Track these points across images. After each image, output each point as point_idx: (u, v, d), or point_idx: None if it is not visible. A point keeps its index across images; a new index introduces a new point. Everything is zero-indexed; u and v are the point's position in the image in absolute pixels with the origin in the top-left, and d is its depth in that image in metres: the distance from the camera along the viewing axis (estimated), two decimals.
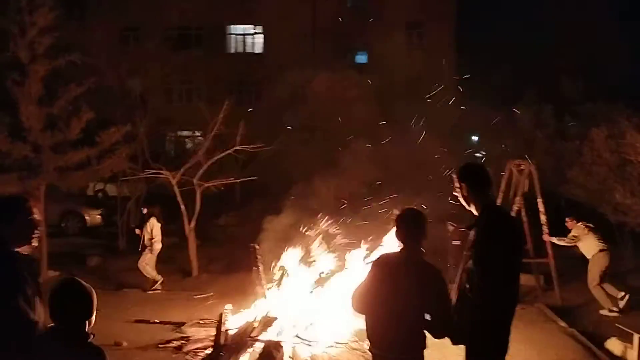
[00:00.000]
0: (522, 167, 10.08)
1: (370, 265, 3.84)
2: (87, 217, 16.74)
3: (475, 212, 3.72)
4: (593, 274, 9.29)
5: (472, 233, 3.64)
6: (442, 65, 24.86)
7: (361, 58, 26.85)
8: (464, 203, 3.78)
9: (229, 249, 13.00)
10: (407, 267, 3.66)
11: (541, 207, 10.06)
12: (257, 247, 9.40)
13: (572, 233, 9.55)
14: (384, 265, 3.75)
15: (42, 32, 11.39)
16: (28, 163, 11.24)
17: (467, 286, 3.55)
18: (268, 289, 8.34)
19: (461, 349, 3.67)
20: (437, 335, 3.65)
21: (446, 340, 3.70)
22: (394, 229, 3.80)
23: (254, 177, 12.55)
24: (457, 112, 21.80)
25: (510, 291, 3.58)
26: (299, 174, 15.41)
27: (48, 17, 11.47)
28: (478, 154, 20.91)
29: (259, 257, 9.18)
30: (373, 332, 3.72)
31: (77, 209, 16.84)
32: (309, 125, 17.05)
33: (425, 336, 3.67)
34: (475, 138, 22.94)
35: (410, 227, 3.74)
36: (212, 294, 10.44)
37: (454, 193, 3.85)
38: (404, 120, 18.02)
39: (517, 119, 14.03)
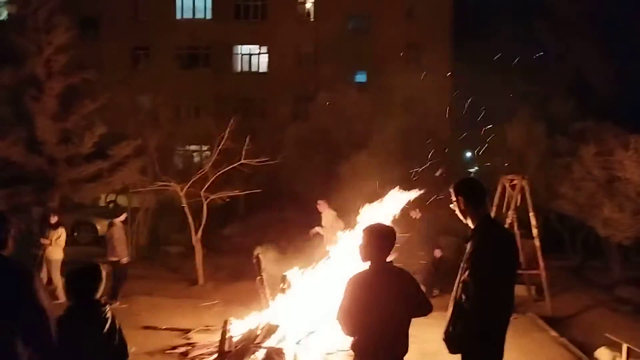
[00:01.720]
0: (514, 183, 10.52)
1: (346, 287, 3.80)
2: (98, 227, 17.18)
3: (471, 225, 3.78)
4: None
5: (468, 245, 3.71)
6: (438, 83, 25.51)
7: (361, 77, 27.51)
8: (460, 216, 3.86)
9: (233, 258, 13.33)
10: (384, 278, 3.74)
11: (533, 221, 10.47)
12: (260, 256, 9.84)
13: None
14: (362, 284, 3.75)
15: (58, 50, 12.03)
16: (43, 175, 11.76)
17: (463, 297, 3.58)
18: (271, 297, 8.65)
19: (457, 358, 3.75)
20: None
21: (442, 349, 3.78)
22: (362, 242, 3.84)
23: (259, 190, 12.98)
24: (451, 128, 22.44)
25: (505, 302, 3.65)
26: (301, 186, 15.97)
27: (64, 36, 12.12)
28: (471, 169, 21.47)
29: (262, 266, 9.63)
30: (366, 348, 3.75)
31: (89, 219, 17.31)
32: (311, 140, 17.57)
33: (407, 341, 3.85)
34: (469, 154, 23.50)
35: (381, 241, 3.79)
36: (217, 301, 10.83)
37: (451, 206, 3.93)
38: (401, 135, 18.60)
39: (510, 136, 14.44)
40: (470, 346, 3.63)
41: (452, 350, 3.73)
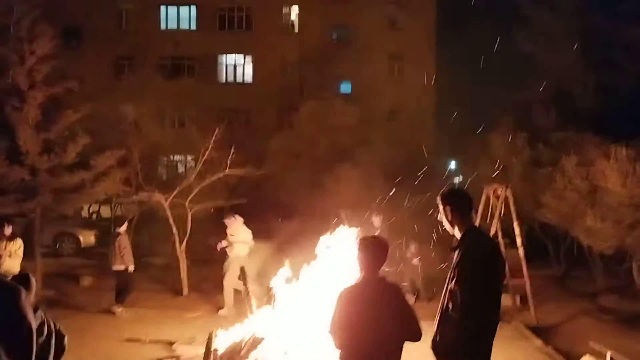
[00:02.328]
0: (498, 192, 10.63)
1: (337, 301, 3.79)
2: (81, 238, 17.03)
3: (458, 235, 3.85)
4: None
5: (455, 254, 3.77)
6: (421, 92, 25.78)
7: (346, 87, 27.68)
8: (447, 226, 3.92)
9: (218, 269, 13.30)
10: (376, 291, 3.74)
11: (517, 230, 10.57)
12: (244, 268, 9.83)
13: None
14: (354, 297, 3.74)
15: (41, 60, 11.90)
16: (25, 186, 11.60)
17: (450, 305, 3.63)
18: (256, 308, 8.62)
19: None
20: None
21: (428, 358, 3.83)
22: (357, 254, 3.84)
23: (244, 200, 12.97)
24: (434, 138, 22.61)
25: (492, 310, 3.71)
26: (285, 197, 15.95)
27: (47, 46, 12.00)
28: (455, 179, 21.65)
29: (247, 277, 9.61)
30: None
31: (71, 230, 17.13)
32: (295, 151, 17.59)
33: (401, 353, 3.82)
34: (452, 164, 23.70)
35: (374, 253, 3.79)
36: (202, 312, 10.79)
37: (438, 217, 3.98)
38: (385, 145, 18.71)
39: (493, 146, 14.58)
40: (457, 355, 3.65)
41: (440, 359, 3.77)
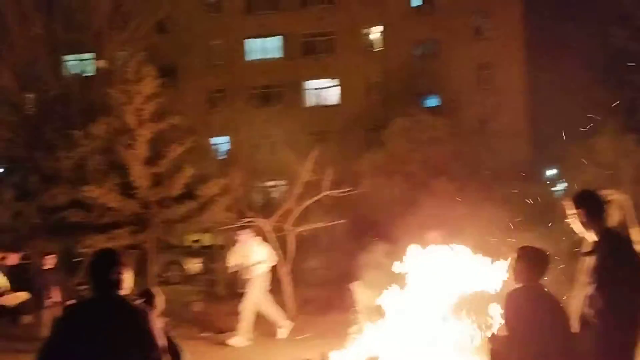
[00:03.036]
0: (613, 197, 10.00)
1: (510, 308, 3.70)
2: (185, 267, 17.81)
3: (592, 238, 3.76)
4: None
5: (591, 259, 3.67)
6: (513, 100, 25.03)
7: (432, 101, 27.38)
8: (580, 229, 3.84)
9: (320, 291, 13.36)
10: (544, 299, 3.68)
11: (638, 237, 9.88)
12: (352, 288, 9.79)
13: None
14: (531, 299, 3.66)
15: (147, 99, 12.74)
16: (137, 218, 12.35)
17: (591, 312, 3.52)
18: (367, 328, 8.57)
19: None
20: None
21: None
22: (515, 264, 3.79)
23: (342, 221, 13.03)
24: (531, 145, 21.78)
25: (634, 315, 3.58)
26: (381, 216, 15.88)
27: (151, 85, 12.84)
28: (558, 187, 20.67)
29: (355, 297, 9.57)
30: None
31: (178, 259, 17.96)
32: (388, 169, 17.53)
33: None
34: (551, 172, 22.67)
35: (535, 265, 3.74)
36: (311, 334, 10.85)
37: (568, 220, 3.91)
38: (476, 159, 18.27)
39: (597, 149, 13.85)
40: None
41: None
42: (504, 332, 3.67)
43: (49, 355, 3.10)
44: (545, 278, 3.79)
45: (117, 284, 3.22)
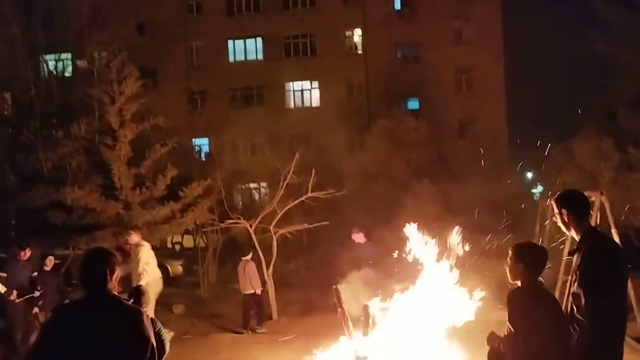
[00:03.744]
0: (592, 200, 10.18)
1: (513, 307, 3.70)
2: (169, 268, 17.61)
3: (576, 237, 3.80)
4: None
5: (575, 257, 3.72)
6: (492, 104, 25.37)
7: (413, 104, 27.61)
8: (563, 229, 3.88)
9: (303, 293, 13.42)
10: (544, 298, 3.73)
11: (616, 238, 10.07)
12: (338, 288, 9.81)
13: None
14: (533, 298, 3.69)
15: (129, 100, 12.64)
16: (120, 219, 12.23)
17: (575, 309, 3.58)
18: (354, 329, 8.59)
19: None
20: None
21: None
22: (512, 262, 3.81)
23: (326, 222, 13.08)
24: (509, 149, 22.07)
25: (619, 312, 3.66)
26: (364, 218, 15.96)
27: (134, 86, 12.74)
28: (535, 189, 21.00)
29: (341, 298, 9.59)
30: None
31: (161, 260, 17.72)
32: (371, 170, 17.64)
33: None
34: (529, 175, 23.02)
35: (533, 262, 3.76)
36: (294, 335, 10.88)
37: (553, 219, 4.02)
38: (459, 160, 18.47)
39: (576, 152, 14.10)
40: (585, 357, 3.58)
41: None
42: (505, 332, 3.70)
43: (41, 356, 3.06)
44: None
45: (111, 283, 3.21)
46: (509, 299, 3.70)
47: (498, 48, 27.28)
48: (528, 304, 3.65)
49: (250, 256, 11.65)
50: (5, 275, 9.03)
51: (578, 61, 18.14)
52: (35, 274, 9.24)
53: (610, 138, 13.35)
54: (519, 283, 3.77)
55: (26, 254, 9.19)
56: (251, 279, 11.28)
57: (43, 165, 13.24)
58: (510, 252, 3.84)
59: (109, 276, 3.19)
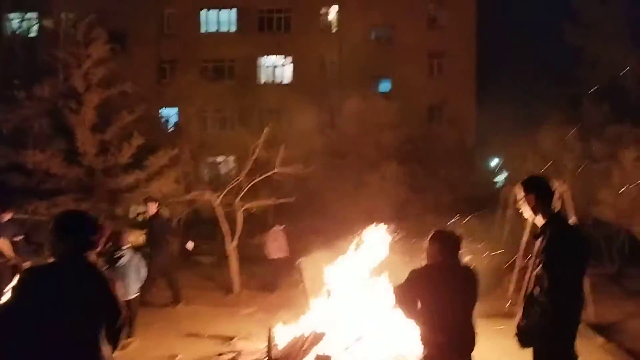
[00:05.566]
0: (554, 188, 10.37)
1: (413, 278, 3.99)
2: (132, 238, 17.30)
3: (540, 222, 3.95)
4: None
5: (538, 241, 3.88)
6: (462, 90, 25.59)
7: (385, 86, 27.63)
8: (529, 213, 4.02)
9: (265, 267, 13.44)
10: (455, 272, 3.99)
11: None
12: (301, 263, 9.85)
13: None
14: (434, 275, 3.96)
15: (96, 63, 12.27)
16: (82, 186, 11.95)
17: (537, 290, 3.72)
18: (314, 303, 8.64)
19: (528, 352, 3.89)
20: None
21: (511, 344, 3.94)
22: (430, 245, 4.05)
23: (290, 199, 13.05)
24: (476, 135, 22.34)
25: (577, 294, 3.83)
26: (331, 196, 16.01)
27: (102, 49, 12.37)
28: (500, 176, 21.37)
29: (303, 273, 9.63)
30: (438, 342, 3.90)
31: (124, 230, 17.39)
32: (341, 150, 17.64)
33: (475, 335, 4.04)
34: (495, 161, 23.41)
35: (449, 244, 4.02)
36: (256, 308, 10.89)
37: (519, 204, 4.11)
38: (427, 143, 18.64)
39: (541, 141, 14.34)
40: (543, 338, 3.72)
41: (524, 344, 3.87)
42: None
43: (8, 319, 2.89)
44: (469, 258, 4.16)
45: (90, 247, 3.11)
46: (408, 275, 3.99)
47: (471, 34, 27.45)
48: (425, 281, 3.96)
49: (283, 227, 12.84)
50: None
51: (550, 50, 18.41)
52: None
53: (574, 128, 13.60)
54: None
55: None
56: (282, 245, 12.52)
57: (3, 125, 12.81)
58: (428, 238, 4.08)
59: (90, 239, 3.09)
